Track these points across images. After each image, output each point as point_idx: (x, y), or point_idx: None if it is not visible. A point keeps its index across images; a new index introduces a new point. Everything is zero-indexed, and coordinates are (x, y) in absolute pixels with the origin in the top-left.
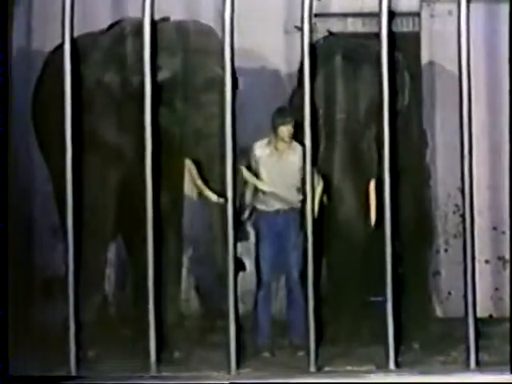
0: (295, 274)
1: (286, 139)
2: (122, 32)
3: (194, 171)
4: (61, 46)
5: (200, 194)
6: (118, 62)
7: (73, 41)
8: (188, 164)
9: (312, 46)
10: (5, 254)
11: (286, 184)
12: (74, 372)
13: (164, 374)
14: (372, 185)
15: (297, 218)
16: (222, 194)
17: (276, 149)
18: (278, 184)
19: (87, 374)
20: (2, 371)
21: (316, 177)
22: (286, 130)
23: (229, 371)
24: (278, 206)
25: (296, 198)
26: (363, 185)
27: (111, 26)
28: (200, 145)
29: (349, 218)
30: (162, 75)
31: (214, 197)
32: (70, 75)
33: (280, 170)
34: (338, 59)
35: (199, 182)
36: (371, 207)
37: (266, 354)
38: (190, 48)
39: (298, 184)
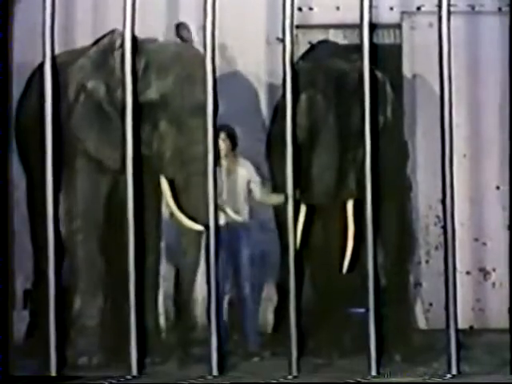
0: (247, 288)
1: (222, 154)
2: (111, 44)
3: (167, 190)
4: (43, 64)
5: (172, 214)
6: (105, 74)
7: (53, 58)
8: (163, 182)
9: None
10: (5, 254)
11: (234, 198)
12: (54, 372)
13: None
14: (350, 205)
15: (246, 232)
16: (193, 218)
17: (219, 165)
18: (227, 199)
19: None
20: (2, 371)
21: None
22: (221, 144)
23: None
24: (225, 220)
25: (245, 211)
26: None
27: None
28: (180, 167)
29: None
30: (150, 95)
31: (185, 220)
32: (51, 92)
33: (228, 185)
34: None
35: (171, 203)
36: (349, 230)
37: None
38: (181, 73)
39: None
